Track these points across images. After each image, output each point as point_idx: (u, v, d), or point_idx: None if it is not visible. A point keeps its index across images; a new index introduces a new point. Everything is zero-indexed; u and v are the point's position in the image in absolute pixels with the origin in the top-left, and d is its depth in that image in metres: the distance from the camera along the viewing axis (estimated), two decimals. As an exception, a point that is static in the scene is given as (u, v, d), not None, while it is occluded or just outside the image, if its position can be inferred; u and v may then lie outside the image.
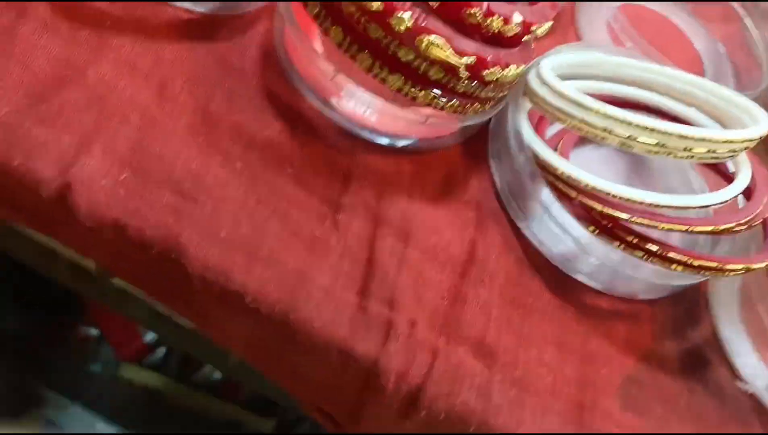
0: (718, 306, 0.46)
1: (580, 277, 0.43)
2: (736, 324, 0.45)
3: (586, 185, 0.38)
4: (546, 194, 0.41)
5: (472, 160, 0.45)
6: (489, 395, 0.37)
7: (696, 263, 0.38)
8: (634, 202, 0.38)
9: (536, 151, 0.41)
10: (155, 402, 0.95)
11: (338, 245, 0.38)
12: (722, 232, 0.39)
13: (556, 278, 0.43)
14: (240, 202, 0.37)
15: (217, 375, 0.98)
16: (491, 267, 0.41)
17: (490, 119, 0.45)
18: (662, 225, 0.37)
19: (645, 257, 0.39)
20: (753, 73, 0.62)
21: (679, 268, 0.38)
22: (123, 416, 0.92)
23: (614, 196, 0.38)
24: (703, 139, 0.37)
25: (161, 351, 0.97)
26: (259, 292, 0.36)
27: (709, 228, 0.39)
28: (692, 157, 0.37)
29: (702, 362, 0.43)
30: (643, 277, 0.42)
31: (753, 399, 0.43)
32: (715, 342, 0.45)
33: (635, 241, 0.38)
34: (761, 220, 0.40)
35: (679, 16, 0.65)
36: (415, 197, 0.41)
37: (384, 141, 0.43)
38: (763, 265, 0.39)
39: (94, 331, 0.94)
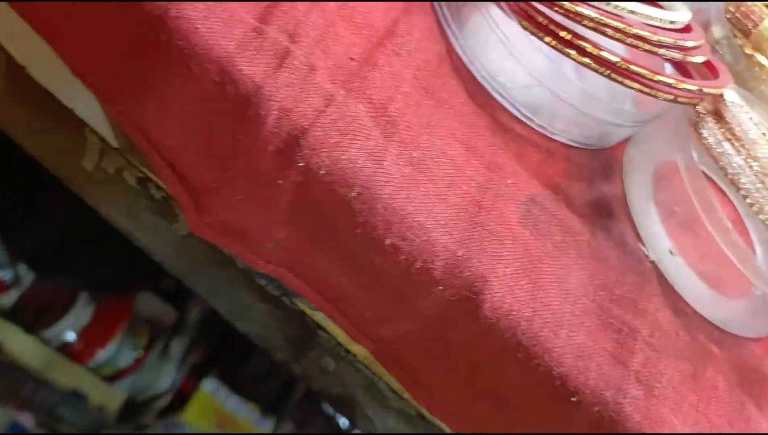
0: (630, 173, 0.43)
1: (502, 100, 0.40)
2: (646, 200, 0.43)
3: None
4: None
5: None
6: (381, 162, 0.33)
7: (656, 78, 0.35)
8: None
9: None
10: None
11: (245, -34, 0.34)
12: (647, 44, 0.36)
13: (477, 89, 0.39)
14: None
15: (71, 336, 0.90)
16: (411, 46, 0.37)
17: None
18: (631, 29, 0.34)
19: (606, 72, 0.35)
20: None
21: (636, 85, 0.35)
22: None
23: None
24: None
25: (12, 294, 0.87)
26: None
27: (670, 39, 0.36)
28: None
29: (609, 214, 0.41)
30: (573, 103, 0.39)
31: (654, 265, 0.41)
32: (624, 204, 0.42)
33: (568, 36, 0.35)
34: (702, 54, 0.38)
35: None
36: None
37: None
38: (713, 90, 0.37)
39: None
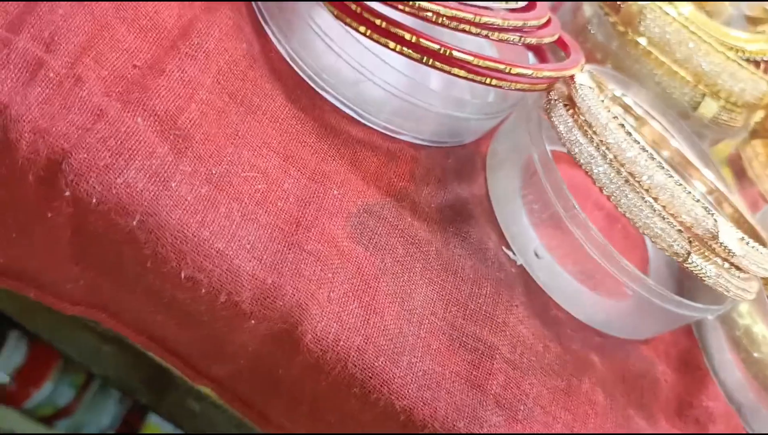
0: (495, 170, 0.39)
1: (332, 100, 0.35)
2: (512, 194, 0.39)
3: None
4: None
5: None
6: (167, 182, 0.28)
7: (483, 64, 0.31)
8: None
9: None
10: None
11: (-8, -32, 0.29)
12: (493, 32, 0.32)
13: (300, 90, 0.35)
14: None
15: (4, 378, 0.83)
16: (210, 47, 0.32)
17: None
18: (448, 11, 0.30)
19: (429, 61, 0.31)
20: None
21: (462, 72, 0.31)
22: None
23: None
24: None
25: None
26: None
27: (486, 19, 0.31)
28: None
29: (465, 218, 0.36)
30: (408, 97, 0.34)
31: (522, 270, 0.37)
32: (487, 205, 0.38)
33: (386, 25, 0.31)
34: (550, 34, 0.34)
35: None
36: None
37: None
38: (556, 74, 0.33)
39: None
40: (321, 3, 0.32)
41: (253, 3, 0.36)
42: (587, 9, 0.48)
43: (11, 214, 0.29)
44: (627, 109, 0.43)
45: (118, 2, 0.30)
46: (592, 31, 0.48)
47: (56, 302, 0.33)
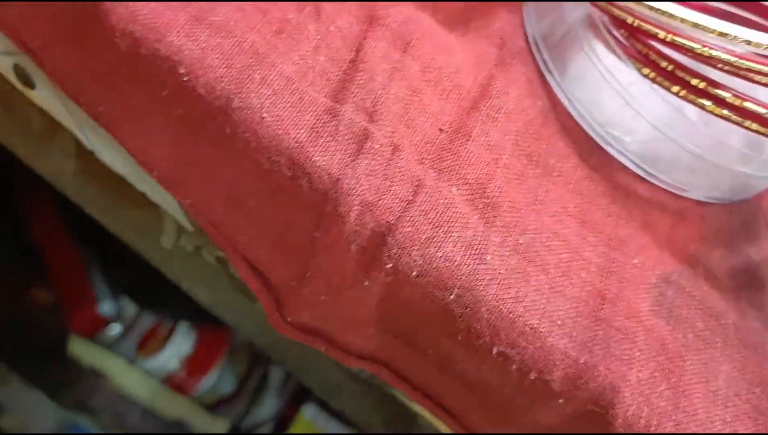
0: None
1: (619, 157, 0.34)
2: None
3: (674, 17, 0.29)
4: (592, 41, 0.32)
5: (504, -4, 0.36)
6: (482, 255, 0.28)
7: None
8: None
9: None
10: (100, 387, 0.84)
11: (315, 35, 0.29)
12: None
13: (589, 147, 0.33)
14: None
15: (174, 365, 0.90)
16: (509, 107, 0.31)
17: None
18: (751, 64, 0.28)
19: (752, 126, 0.29)
20: None
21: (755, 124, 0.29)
22: (66, 397, 0.81)
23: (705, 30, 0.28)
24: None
25: (117, 327, 0.87)
26: (199, 63, 0.27)
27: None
28: None
29: (759, 284, 0.34)
30: (703, 155, 0.32)
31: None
32: (777, 268, 0.35)
33: (701, 84, 0.29)
34: None
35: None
36: (425, 11, 0.32)
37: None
38: None
39: (48, 295, 0.83)
40: (623, 56, 0.31)
41: (536, 54, 0.34)
42: None
43: (325, 280, 0.29)
44: None
45: (426, 65, 0.30)
46: None
47: (343, 356, 0.33)
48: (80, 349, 0.85)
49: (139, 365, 0.91)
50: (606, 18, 0.32)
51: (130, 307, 0.90)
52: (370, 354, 0.33)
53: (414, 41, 0.30)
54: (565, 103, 0.34)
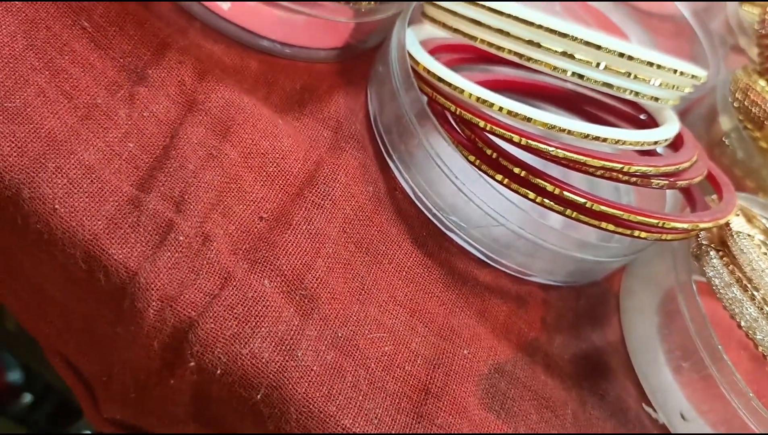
0: (631, 312, 0.36)
1: (461, 242, 0.33)
2: (651, 339, 0.35)
3: (493, 106, 0.29)
4: (426, 127, 0.32)
5: (346, 79, 0.35)
6: (293, 351, 0.26)
7: (634, 219, 0.28)
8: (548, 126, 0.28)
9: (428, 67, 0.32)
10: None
11: (126, 121, 0.28)
12: (641, 179, 0.29)
13: (426, 232, 0.33)
14: (3, 41, 0.27)
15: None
16: (336, 193, 0.30)
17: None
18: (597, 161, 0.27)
19: (572, 214, 0.29)
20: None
21: (610, 226, 0.28)
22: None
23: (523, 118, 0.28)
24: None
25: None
26: (-14, 151, 0.25)
27: (636, 168, 0.29)
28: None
29: (601, 371, 0.33)
30: (543, 243, 0.32)
31: (664, 429, 0.33)
32: (623, 352, 0.35)
33: (523, 173, 0.28)
34: (700, 173, 0.31)
35: (625, 23, 0.58)
36: (251, 95, 0.31)
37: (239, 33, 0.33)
38: (712, 224, 0.30)
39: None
40: (452, 144, 0.31)
41: (378, 137, 0.34)
42: (725, 122, 0.44)
43: (131, 375, 0.27)
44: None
45: (249, 150, 0.29)
46: (730, 146, 0.44)
47: None
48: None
49: None
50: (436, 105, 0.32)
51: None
52: None
53: (235, 127, 0.30)
54: (406, 187, 0.33)
